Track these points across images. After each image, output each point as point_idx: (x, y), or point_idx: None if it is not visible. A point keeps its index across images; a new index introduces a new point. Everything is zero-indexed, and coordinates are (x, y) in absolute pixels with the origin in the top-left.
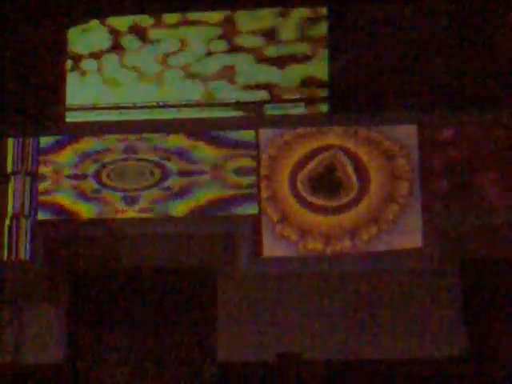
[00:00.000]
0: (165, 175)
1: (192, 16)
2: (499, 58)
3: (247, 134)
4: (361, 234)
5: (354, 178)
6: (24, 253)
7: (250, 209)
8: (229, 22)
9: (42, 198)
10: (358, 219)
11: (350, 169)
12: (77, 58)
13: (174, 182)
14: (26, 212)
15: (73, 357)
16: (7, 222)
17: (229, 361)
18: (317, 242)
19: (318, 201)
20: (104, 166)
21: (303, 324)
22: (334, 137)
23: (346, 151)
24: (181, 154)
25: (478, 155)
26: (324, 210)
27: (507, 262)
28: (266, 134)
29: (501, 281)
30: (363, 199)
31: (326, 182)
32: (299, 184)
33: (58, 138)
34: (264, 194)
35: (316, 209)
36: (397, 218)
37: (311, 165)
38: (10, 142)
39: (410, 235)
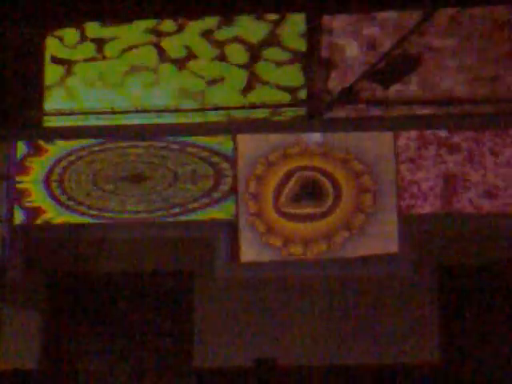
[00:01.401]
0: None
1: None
2: None
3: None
4: (335, 237)
5: (329, 192)
6: (2, 258)
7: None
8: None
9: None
10: (332, 226)
11: (326, 185)
12: (56, 62)
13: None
14: (3, 216)
15: (51, 362)
16: None
17: (205, 366)
18: (297, 246)
19: (298, 210)
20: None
21: (279, 329)
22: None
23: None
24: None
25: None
26: (303, 218)
27: (481, 267)
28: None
29: (475, 286)
30: (336, 210)
31: (306, 195)
32: (282, 199)
33: (37, 141)
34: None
35: (296, 218)
36: (364, 224)
37: (292, 181)
38: None
39: (385, 241)
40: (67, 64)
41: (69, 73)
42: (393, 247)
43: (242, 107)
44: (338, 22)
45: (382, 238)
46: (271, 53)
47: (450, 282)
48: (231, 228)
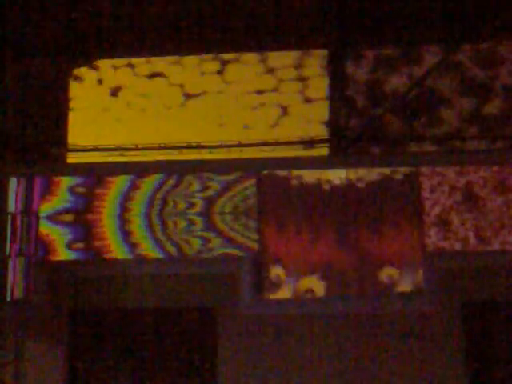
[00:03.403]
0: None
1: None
2: None
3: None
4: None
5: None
6: (24, 292)
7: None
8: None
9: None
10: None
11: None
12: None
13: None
14: (26, 251)
15: None
16: (8, 261)
17: None
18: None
19: None
20: (100, 206)
21: (304, 366)
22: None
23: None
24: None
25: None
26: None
27: (508, 304)
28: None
29: (501, 323)
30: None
31: None
32: None
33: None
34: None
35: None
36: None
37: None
38: (12, 181)
39: (411, 277)
40: (89, 101)
41: (94, 107)
42: (419, 284)
43: (265, 144)
44: (361, 59)
45: (409, 274)
46: (295, 90)
47: (476, 319)
48: (254, 264)
